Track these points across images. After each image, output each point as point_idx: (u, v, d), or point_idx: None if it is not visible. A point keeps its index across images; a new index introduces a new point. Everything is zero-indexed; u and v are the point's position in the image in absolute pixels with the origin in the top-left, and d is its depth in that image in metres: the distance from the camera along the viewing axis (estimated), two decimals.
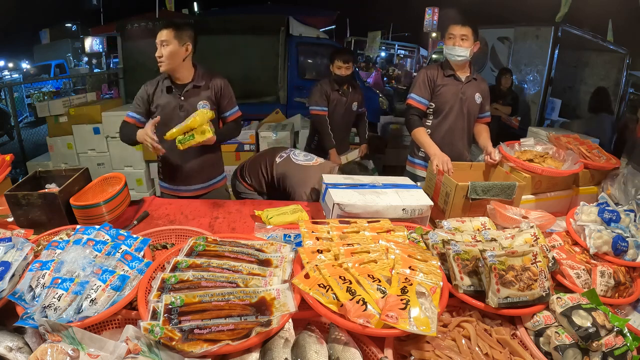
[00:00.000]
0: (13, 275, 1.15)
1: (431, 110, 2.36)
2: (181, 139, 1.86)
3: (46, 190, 1.74)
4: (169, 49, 1.94)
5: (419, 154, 2.46)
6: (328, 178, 1.83)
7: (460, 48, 2.19)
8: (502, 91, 4.94)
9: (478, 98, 2.34)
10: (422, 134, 2.26)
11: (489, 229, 1.56)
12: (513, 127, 4.75)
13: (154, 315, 0.98)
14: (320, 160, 2.36)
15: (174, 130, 1.87)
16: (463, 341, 1.13)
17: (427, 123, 2.38)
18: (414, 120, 2.31)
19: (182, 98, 2.05)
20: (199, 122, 1.84)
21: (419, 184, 1.98)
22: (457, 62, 2.27)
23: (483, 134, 2.38)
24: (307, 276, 1.13)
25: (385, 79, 11.45)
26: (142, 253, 1.29)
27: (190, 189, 2.22)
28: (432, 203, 1.71)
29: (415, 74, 10.44)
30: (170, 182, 2.22)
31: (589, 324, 1.12)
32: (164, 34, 1.94)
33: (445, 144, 2.21)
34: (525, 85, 5.53)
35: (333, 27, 11.58)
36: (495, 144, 2.22)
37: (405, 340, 1.11)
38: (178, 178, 2.19)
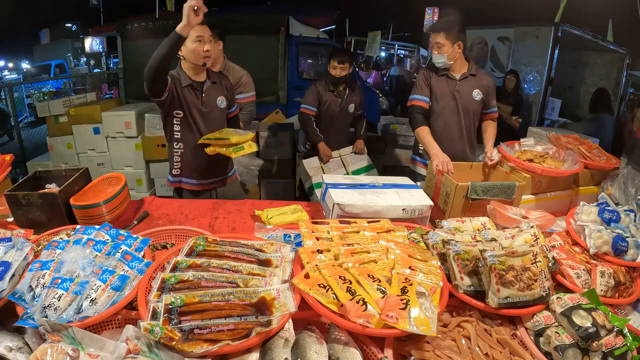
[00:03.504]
0: (13, 275, 1.15)
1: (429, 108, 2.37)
2: (235, 148, 2.04)
3: (46, 190, 1.74)
4: (213, 45, 2.05)
5: (420, 152, 2.46)
6: (328, 178, 1.83)
7: (437, 55, 2.28)
8: (505, 91, 4.98)
9: (477, 94, 2.33)
10: (424, 133, 2.26)
11: (489, 229, 1.56)
12: (513, 126, 4.75)
13: (154, 315, 0.99)
14: None
15: (237, 137, 2.02)
16: (463, 341, 1.13)
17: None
18: (417, 119, 2.32)
19: (204, 95, 2.10)
20: (251, 137, 2.10)
21: (419, 183, 1.98)
22: (440, 67, 2.33)
23: (487, 130, 2.38)
24: (307, 276, 1.13)
25: (385, 79, 11.44)
26: (142, 253, 1.29)
27: (206, 183, 2.24)
28: (432, 203, 1.71)
29: (415, 74, 10.51)
30: (190, 175, 2.21)
31: (589, 324, 1.12)
32: (209, 30, 2.01)
33: (442, 143, 2.21)
34: (525, 85, 5.53)
35: (333, 27, 11.55)
36: (495, 143, 2.22)
37: (405, 340, 1.11)
38: (199, 171, 2.21)
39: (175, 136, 2.14)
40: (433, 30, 2.27)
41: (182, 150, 2.16)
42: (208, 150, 2.03)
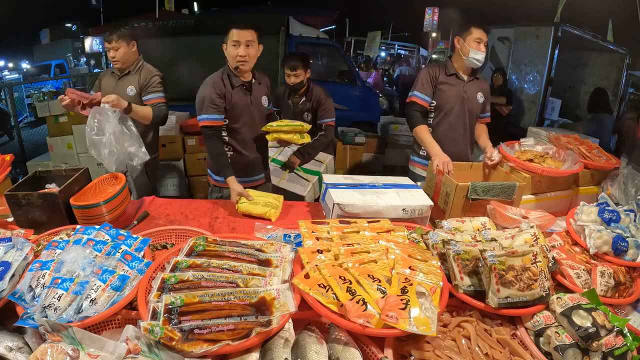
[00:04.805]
0: (13, 275, 1.15)
1: (432, 107, 2.36)
2: (299, 136, 2.15)
3: (46, 190, 1.74)
4: (255, 49, 2.02)
5: (419, 153, 2.46)
6: (328, 178, 1.83)
7: (481, 52, 2.20)
8: (492, 87, 5.09)
9: (480, 97, 2.34)
10: (424, 132, 2.25)
11: (489, 229, 1.56)
12: (502, 113, 4.95)
13: (154, 315, 0.99)
14: None
15: (302, 126, 2.12)
16: (463, 341, 1.13)
17: (428, 121, 2.38)
18: (416, 118, 2.30)
19: (251, 94, 2.15)
20: (309, 129, 2.19)
21: (419, 183, 1.98)
22: (476, 66, 2.28)
23: (483, 135, 2.39)
24: (307, 276, 1.13)
25: (385, 78, 11.44)
26: (142, 253, 1.29)
27: (252, 180, 2.30)
28: (432, 203, 1.71)
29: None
30: (237, 174, 2.18)
31: (589, 324, 1.12)
32: (249, 35, 1.98)
33: (446, 142, 2.21)
34: (525, 85, 5.53)
35: (333, 27, 11.56)
36: (495, 142, 2.22)
37: (405, 340, 1.11)
38: (246, 171, 2.25)
39: (223, 140, 2.17)
40: (484, 27, 2.19)
41: (231, 153, 2.20)
42: (269, 137, 2.12)
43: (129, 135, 2.07)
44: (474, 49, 2.19)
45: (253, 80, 2.16)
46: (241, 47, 1.98)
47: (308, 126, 2.17)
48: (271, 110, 2.40)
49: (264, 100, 2.23)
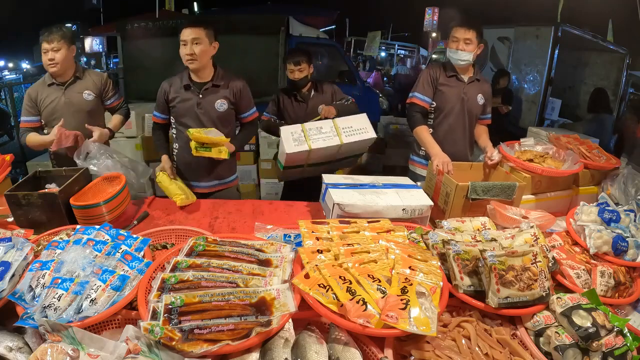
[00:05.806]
0: (13, 275, 1.15)
1: (432, 108, 2.36)
2: (198, 146, 1.99)
3: (46, 190, 1.74)
4: (202, 47, 1.99)
5: (419, 153, 2.46)
6: (328, 178, 1.83)
7: (463, 52, 2.18)
8: (495, 88, 5.10)
9: (480, 99, 2.34)
10: (424, 133, 2.26)
11: (489, 229, 1.56)
12: (501, 111, 4.96)
13: (154, 315, 0.99)
14: None
15: (201, 135, 1.97)
16: (463, 341, 1.13)
17: (428, 122, 2.38)
18: (417, 118, 2.30)
19: (201, 96, 2.10)
20: (222, 142, 2.02)
21: (419, 183, 1.98)
22: (460, 66, 2.27)
23: (483, 135, 2.39)
24: (307, 276, 1.13)
25: (385, 78, 11.44)
26: (142, 253, 1.29)
27: (202, 186, 2.26)
28: (432, 203, 1.71)
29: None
30: (183, 177, 2.26)
31: (589, 324, 1.12)
32: (195, 32, 1.98)
33: (446, 143, 2.21)
34: (526, 85, 5.53)
35: (333, 27, 11.56)
36: (496, 141, 2.22)
37: (405, 340, 1.11)
38: (191, 173, 2.24)
39: (173, 135, 2.24)
40: (465, 25, 2.15)
41: (177, 151, 2.24)
42: (191, 144, 2.02)
43: (127, 160, 2.05)
44: (450, 48, 2.24)
45: (209, 83, 2.10)
46: (188, 45, 1.98)
47: (219, 139, 2.00)
48: (253, 115, 2.27)
49: (219, 104, 2.11)
